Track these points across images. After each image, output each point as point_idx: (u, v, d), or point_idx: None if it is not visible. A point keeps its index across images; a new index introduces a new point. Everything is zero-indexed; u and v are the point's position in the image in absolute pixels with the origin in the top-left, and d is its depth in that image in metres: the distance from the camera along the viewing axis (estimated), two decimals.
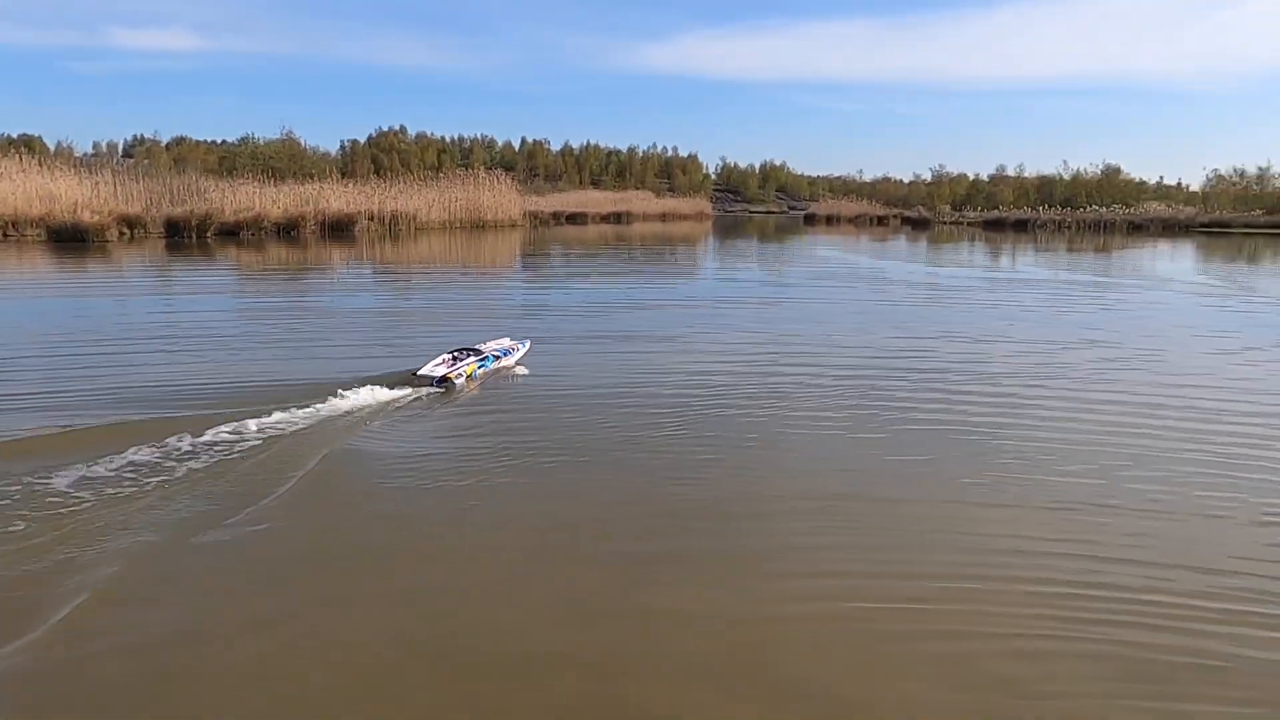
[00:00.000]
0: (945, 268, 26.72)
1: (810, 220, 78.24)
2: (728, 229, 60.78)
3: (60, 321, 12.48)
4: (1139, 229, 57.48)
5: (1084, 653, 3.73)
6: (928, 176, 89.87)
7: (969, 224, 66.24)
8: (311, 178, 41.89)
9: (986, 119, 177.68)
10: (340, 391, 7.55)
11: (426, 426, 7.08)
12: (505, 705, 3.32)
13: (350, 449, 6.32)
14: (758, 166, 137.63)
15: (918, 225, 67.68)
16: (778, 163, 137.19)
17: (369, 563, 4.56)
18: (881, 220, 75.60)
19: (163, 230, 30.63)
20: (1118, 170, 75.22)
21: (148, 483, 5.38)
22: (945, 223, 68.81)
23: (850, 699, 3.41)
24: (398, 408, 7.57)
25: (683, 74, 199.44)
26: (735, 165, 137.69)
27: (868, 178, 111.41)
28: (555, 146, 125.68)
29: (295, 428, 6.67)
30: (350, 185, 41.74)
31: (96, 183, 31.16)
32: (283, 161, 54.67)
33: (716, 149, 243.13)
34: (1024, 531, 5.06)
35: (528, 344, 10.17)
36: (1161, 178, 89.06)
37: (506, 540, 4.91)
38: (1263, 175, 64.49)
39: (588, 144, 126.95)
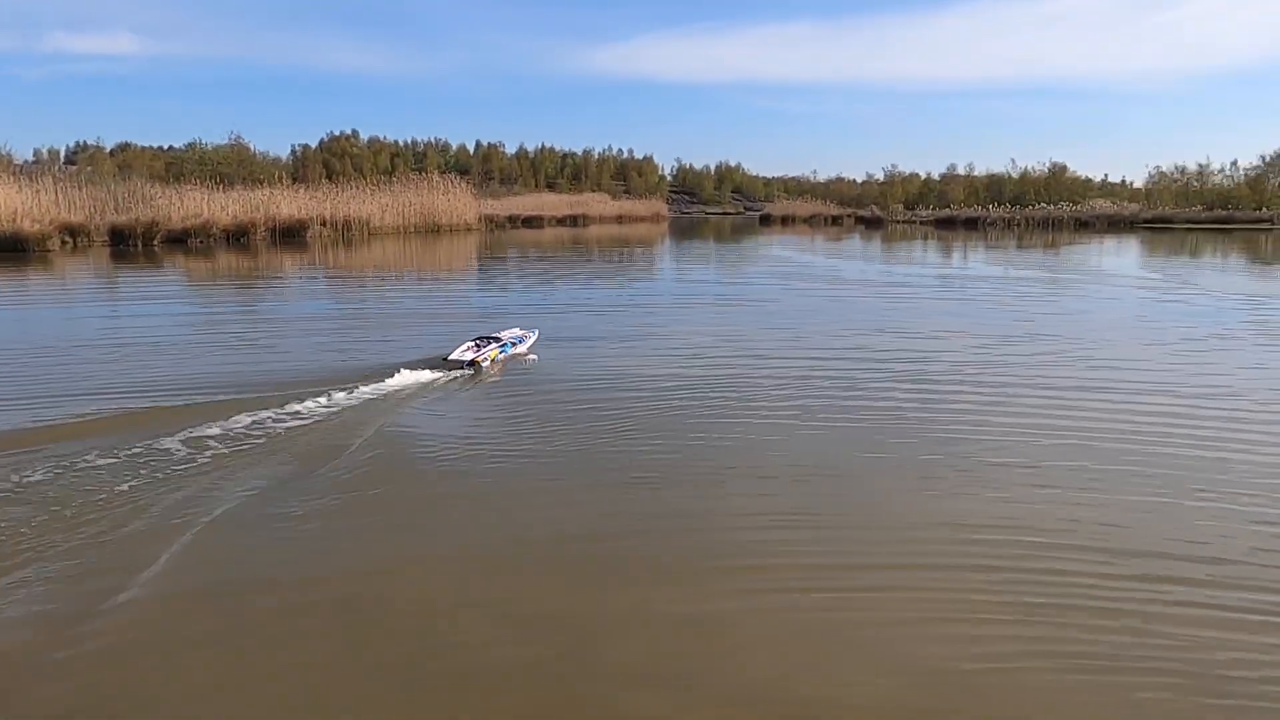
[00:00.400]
0: (899, 266, 27.11)
1: (766, 221, 78.83)
2: (684, 230, 60.99)
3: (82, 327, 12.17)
4: (1085, 226, 58.77)
5: (1025, 636, 3.81)
6: (880, 176, 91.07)
7: (921, 223, 67.22)
8: (262, 183, 41.21)
9: (937, 119, 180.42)
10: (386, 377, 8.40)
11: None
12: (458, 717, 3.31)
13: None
14: (713, 168, 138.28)
15: (871, 224, 68.54)
16: (733, 164, 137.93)
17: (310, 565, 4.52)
18: (836, 220, 76.48)
19: (107, 239, 29.96)
20: (1064, 168, 76.92)
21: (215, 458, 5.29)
22: (898, 222, 69.75)
23: (805, 694, 3.43)
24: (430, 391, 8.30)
25: (636, 76, 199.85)
26: (691, 167, 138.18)
27: (822, 178, 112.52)
28: (510, 149, 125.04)
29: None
30: (302, 191, 41.18)
31: (37, 190, 30.38)
32: (232, 167, 53.84)
33: (672, 151, 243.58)
34: (968, 519, 5.15)
35: (536, 333, 11.21)
36: (1106, 175, 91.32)
37: (458, 551, 4.90)
38: (1202, 172, 66.38)
39: (543, 147, 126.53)
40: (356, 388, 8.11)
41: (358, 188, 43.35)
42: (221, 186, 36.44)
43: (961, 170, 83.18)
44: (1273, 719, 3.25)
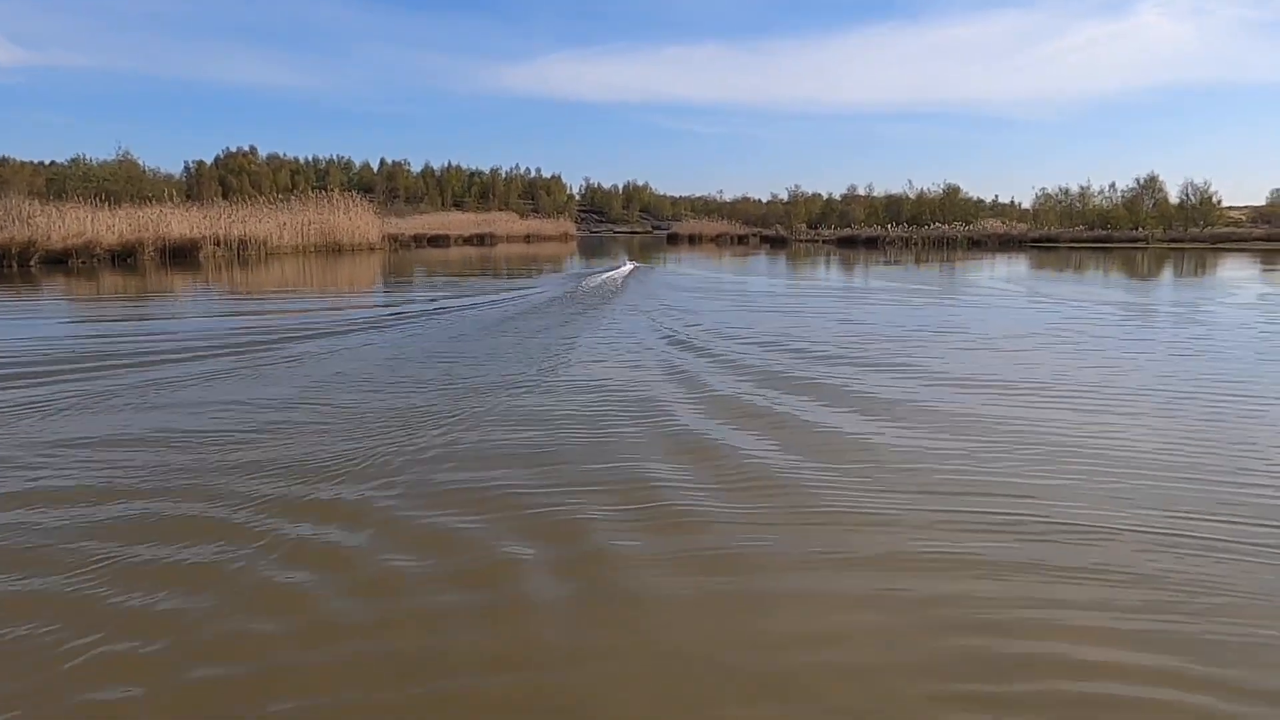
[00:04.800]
0: (803, 282, 27.69)
1: (673, 240, 79.81)
2: (593, 249, 61.10)
3: None
4: (978, 244, 61.34)
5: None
6: (784, 196, 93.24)
7: (824, 241, 69.08)
8: (151, 201, 39.57)
9: (836, 141, 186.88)
10: None
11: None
12: None
13: None
14: (621, 187, 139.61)
15: (776, 243, 70.05)
16: (641, 183, 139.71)
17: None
18: (742, 239, 77.96)
19: None
20: (957, 189, 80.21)
21: None
22: (802, 240, 71.48)
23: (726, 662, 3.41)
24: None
25: (545, 95, 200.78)
26: (599, 186, 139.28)
27: (728, 197, 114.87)
28: (416, 168, 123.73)
29: None
30: (195, 209, 39.73)
31: None
32: (119, 184, 51.53)
33: (580, 170, 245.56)
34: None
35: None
36: (996, 196, 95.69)
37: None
38: (1084, 193, 70.18)
39: (449, 165, 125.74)
40: None
41: (254, 206, 42.11)
42: (108, 204, 34.83)
43: (861, 191, 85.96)
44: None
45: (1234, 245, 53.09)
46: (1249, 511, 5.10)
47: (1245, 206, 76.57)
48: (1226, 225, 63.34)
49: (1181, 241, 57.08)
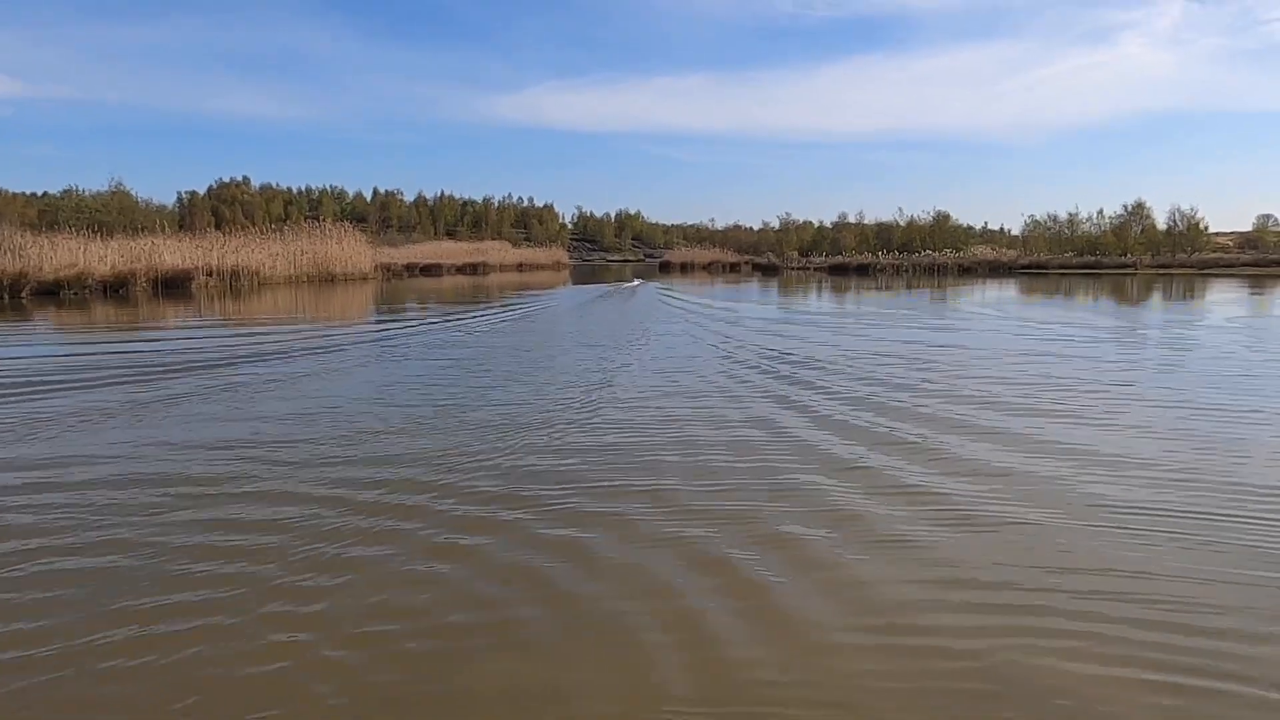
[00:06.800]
0: (794, 310, 27.76)
1: (665, 268, 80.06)
2: (585, 277, 61.27)
3: None
4: (968, 271, 61.77)
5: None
6: (776, 224, 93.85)
7: (815, 269, 69.46)
8: (144, 232, 39.62)
9: (829, 168, 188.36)
10: None
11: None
12: None
13: None
14: (613, 215, 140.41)
15: (768, 271, 70.40)
16: (633, 212, 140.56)
17: None
18: (734, 267, 78.27)
19: None
20: (947, 217, 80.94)
21: None
22: (793, 268, 71.85)
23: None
24: None
25: (536, 125, 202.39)
26: (591, 214, 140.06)
27: (719, 225, 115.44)
28: (409, 197, 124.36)
29: None
30: (187, 239, 39.78)
31: None
32: (111, 215, 51.72)
33: (572, 199, 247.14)
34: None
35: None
36: (986, 223, 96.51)
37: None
38: (1072, 220, 70.81)
39: (442, 194, 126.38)
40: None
41: (247, 236, 42.17)
42: (100, 235, 34.85)
43: (852, 218, 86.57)
44: None
45: (1222, 270, 53.55)
46: None
47: (1232, 232, 77.42)
48: (1214, 251, 63.98)
49: (1170, 267, 57.57)
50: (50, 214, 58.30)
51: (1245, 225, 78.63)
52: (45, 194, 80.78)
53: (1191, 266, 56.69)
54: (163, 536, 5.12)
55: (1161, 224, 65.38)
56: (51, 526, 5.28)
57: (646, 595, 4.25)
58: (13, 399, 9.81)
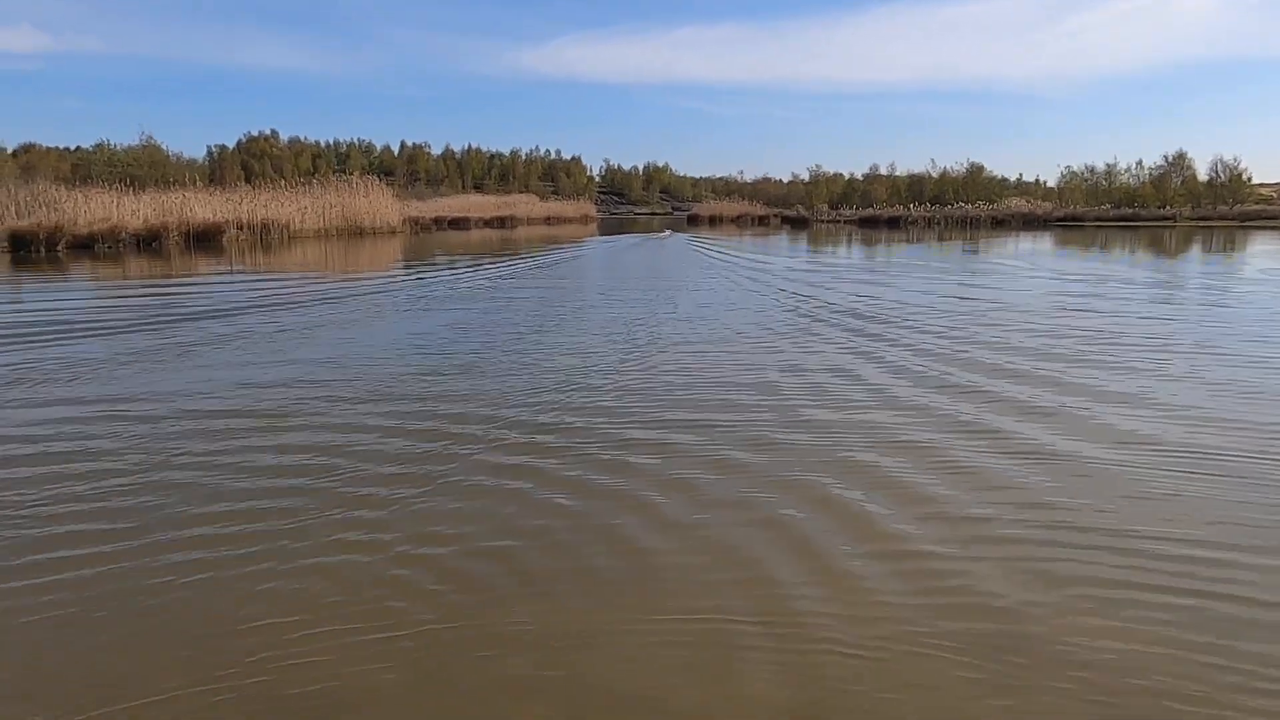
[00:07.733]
0: (825, 266, 27.50)
1: (693, 221, 79.47)
2: (614, 229, 61.02)
3: None
4: (1001, 224, 60.77)
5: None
6: (805, 176, 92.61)
7: (845, 222, 68.65)
8: (175, 186, 39.89)
9: (859, 120, 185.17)
10: None
11: None
12: None
13: None
14: (641, 168, 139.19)
15: (797, 224, 69.68)
16: (661, 164, 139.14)
17: None
18: (763, 220, 77.50)
19: (6, 244, 28.63)
20: (981, 169, 79.50)
21: None
22: (823, 221, 71.07)
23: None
24: None
25: (563, 77, 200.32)
26: (619, 167, 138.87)
27: (748, 178, 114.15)
28: (436, 150, 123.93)
29: None
30: (218, 193, 40.01)
31: None
32: (143, 169, 52.03)
33: (600, 151, 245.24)
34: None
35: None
36: (1021, 175, 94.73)
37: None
38: (1110, 171, 69.26)
39: (470, 148, 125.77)
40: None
41: (276, 190, 42.33)
42: (132, 189, 35.15)
43: (884, 170, 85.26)
44: None
45: (1265, 223, 52.21)
46: None
47: (1276, 183, 75.34)
48: (1257, 203, 62.33)
49: (1210, 219, 56.22)
50: (83, 168, 58.86)
51: None
52: (78, 148, 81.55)
53: (1233, 219, 55.31)
54: (235, 458, 5.63)
55: (1203, 175, 63.80)
56: (128, 449, 5.84)
57: (721, 507, 4.62)
58: (90, 335, 10.37)
